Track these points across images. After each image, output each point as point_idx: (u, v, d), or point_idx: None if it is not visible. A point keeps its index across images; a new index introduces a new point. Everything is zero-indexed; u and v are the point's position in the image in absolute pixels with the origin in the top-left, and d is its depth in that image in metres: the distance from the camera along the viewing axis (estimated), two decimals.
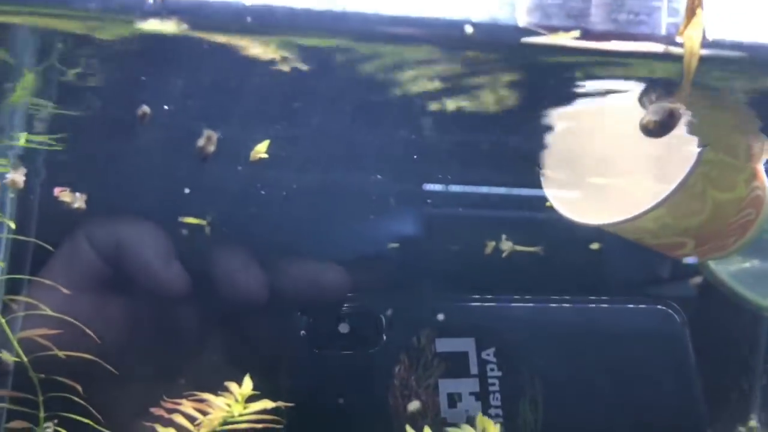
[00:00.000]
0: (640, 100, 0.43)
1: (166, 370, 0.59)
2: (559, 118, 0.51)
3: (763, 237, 0.80)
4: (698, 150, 0.51)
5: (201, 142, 0.47)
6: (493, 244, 0.74)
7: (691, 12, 0.36)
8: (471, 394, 0.76)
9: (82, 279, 0.57)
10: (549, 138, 0.55)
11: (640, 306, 0.82)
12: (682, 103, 0.40)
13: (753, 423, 0.80)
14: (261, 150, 0.46)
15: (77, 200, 0.52)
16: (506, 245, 0.71)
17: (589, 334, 0.79)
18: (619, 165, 0.58)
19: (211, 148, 0.45)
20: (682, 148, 0.52)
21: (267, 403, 0.46)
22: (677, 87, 0.39)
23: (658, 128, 0.40)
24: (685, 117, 0.42)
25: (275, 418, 0.48)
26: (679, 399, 0.79)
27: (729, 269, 0.78)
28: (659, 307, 0.81)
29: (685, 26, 0.36)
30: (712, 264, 0.79)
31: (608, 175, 0.59)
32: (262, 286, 0.59)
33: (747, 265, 0.78)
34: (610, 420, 0.77)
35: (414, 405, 0.75)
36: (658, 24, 0.37)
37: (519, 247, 0.69)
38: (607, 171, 0.59)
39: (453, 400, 0.76)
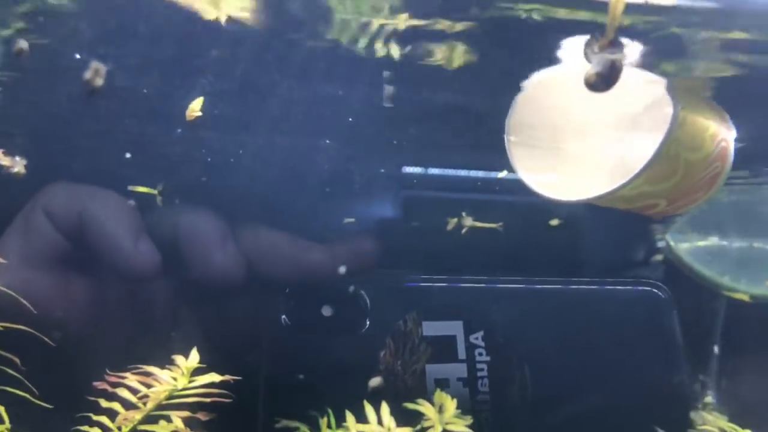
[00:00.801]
0: (584, 53, 0.41)
1: (134, 355, 0.54)
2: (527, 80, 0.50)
3: (721, 215, 0.81)
4: (671, 114, 0.49)
5: (88, 75, 0.43)
6: (455, 220, 0.74)
7: None
8: (459, 379, 0.75)
9: (39, 255, 0.51)
10: (515, 100, 0.54)
11: (630, 287, 0.80)
12: (623, 53, 0.39)
13: (709, 399, 0.81)
14: (195, 108, 0.44)
15: (17, 164, 0.48)
16: (467, 221, 0.70)
17: (580, 316, 0.78)
18: (587, 130, 0.57)
19: (99, 82, 0.42)
20: (653, 112, 0.51)
21: (213, 377, 0.44)
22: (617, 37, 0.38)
23: (599, 81, 0.39)
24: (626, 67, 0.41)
25: (223, 392, 0.46)
26: (668, 377, 0.78)
27: (688, 247, 0.79)
28: (647, 288, 0.80)
29: None
30: (671, 242, 0.80)
31: (577, 141, 0.57)
32: (238, 266, 0.55)
33: (705, 243, 0.79)
34: (601, 402, 0.76)
35: (375, 381, 0.74)
36: None
37: (478, 224, 0.68)
38: (576, 136, 0.57)
39: (441, 386, 0.73)
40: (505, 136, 0.56)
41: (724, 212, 0.80)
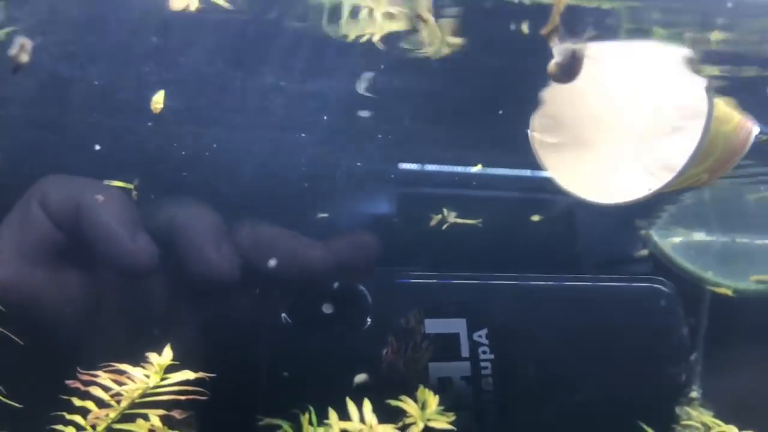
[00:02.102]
0: (550, 42, 0.41)
1: (130, 352, 0.52)
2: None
3: (705, 211, 0.82)
4: (707, 96, 0.48)
5: (13, 51, 0.41)
6: (439, 217, 0.73)
7: None
8: (462, 378, 0.73)
9: (34, 248, 0.50)
10: (540, 96, 0.52)
11: (636, 284, 0.78)
12: (584, 43, 0.38)
13: (694, 394, 0.81)
14: (158, 101, 0.43)
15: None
16: (450, 217, 0.70)
17: (586, 314, 0.76)
18: (616, 124, 0.56)
19: (25, 58, 0.41)
20: (680, 98, 0.50)
21: (187, 374, 0.44)
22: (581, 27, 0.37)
23: (560, 72, 0.38)
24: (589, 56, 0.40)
25: (199, 389, 0.46)
26: (676, 373, 0.77)
27: (672, 242, 0.79)
28: (653, 285, 0.78)
29: None
30: (656, 238, 0.80)
31: (605, 137, 0.56)
32: (233, 265, 0.53)
33: (690, 238, 0.79)
34: (609, 402, 0.74)
35: (360, 377, 0.74)
36: None
37: (459, 220, 0.68)
38: (604, 132, 0.56)
39: (444, 385, 0.72)
40: (528, 132, 0.55)
41: (708, 208, 0.80)
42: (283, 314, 0.67)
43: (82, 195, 0.50)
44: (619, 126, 0.52)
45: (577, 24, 0.38)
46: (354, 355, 0.69)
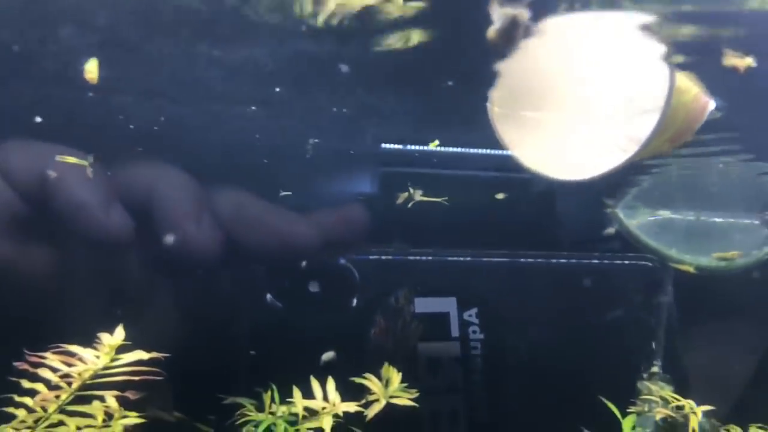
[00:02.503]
0: (489, 7, 0.39)
1: (102, 329, 0.48)
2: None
3: (670, 189, 0.82)
4: (668, 67, 0.48)
5: None
6: (405, 195, 0.73)
7: None
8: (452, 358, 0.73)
9: None
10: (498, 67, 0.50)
11: (631, 262, 0.79)
12: (525, 8, 0.37)
13: (655, 369, 0.83)
14: (91, 69, 0.41)
15: None
16: (416, 194, 0.69)
17: (580, 291, 0.78)
18: (578, 98, 0.54)
19: None
20: (642, 68, 0.49)
21: (140, 354, 0.43)
22: None
23: (500, 38, 0.37)
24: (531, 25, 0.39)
25: (154, 369, 0.45)
26: (667, 348, 0.80)
27: (637, 221, 0.79)
28: (645, 263, 0.79)
29: None
30: (622, 216, 0.80)
31: (567, 111, 0.55)
32: (214, 239, 0.50)
33: (654, 216, 0.80)
34: (603, 379, 0.76)
35: (328, 355, 0.73)
36: None
37: (424, 198, 0.67)
38: (565, 105, 0.55)
39: (433, 364, 0.73)
40: (488, 105, 0.54)
41: (673, 186, 0.81)
42: (269, 294, 0.66)
43: (48, 161, 0.46)
44: (581, 99, 0.51)
45: None
46: (341, 334, 0.68)
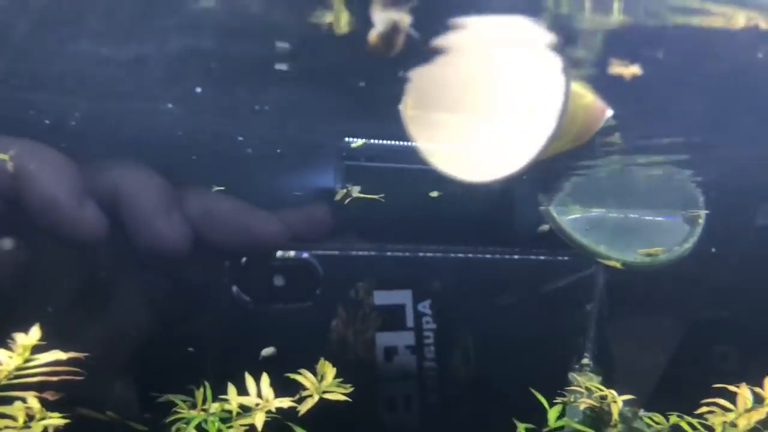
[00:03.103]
0: (371, 11, 0.40)
1: (68, 326, 0.49)
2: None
3: (601, 187, 0.85)
4: (564, 75, 0.50)
5: None
6: (343, 191, 0.73)
7: None
8: (407, 347, 0.77)
9: None
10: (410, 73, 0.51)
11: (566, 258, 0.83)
12: (407, 14, 0.38)
13: (585, 361, 0.86)
14: None
15: None
16: (354, 191, 0.70)
17: (518, 285, 0.81)
18: (482, 102, 0.56)
19: None
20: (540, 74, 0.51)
21: (58, 354, 0.42)
22: None
23: (381, 42, 0.38)
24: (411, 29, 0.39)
25: (73, 369, 0.44)
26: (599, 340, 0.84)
27: (569, 217, 0.82)
28: (574, 258, 0.82)
29: None
30: (554, 213, 0.83)
31: (472, 115, 0.56)
32: (183, 235, 0.51)
33: (585, 212, 0.83)
34: (541, 366, 0.79)
35: (268, 351, 0.74)
36: None
37: (361, 195, 0.68)
38: (470, 110, 0.56)
39: (390, 353, 0.76)
40: (400, 108, 0.55)
41: (604, 185, 0.84)
42: (234, 287, 0.66)
43: (21, 158, 0.45)
44: (487, 105, 0.53)
45: None
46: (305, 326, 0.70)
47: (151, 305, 0.59)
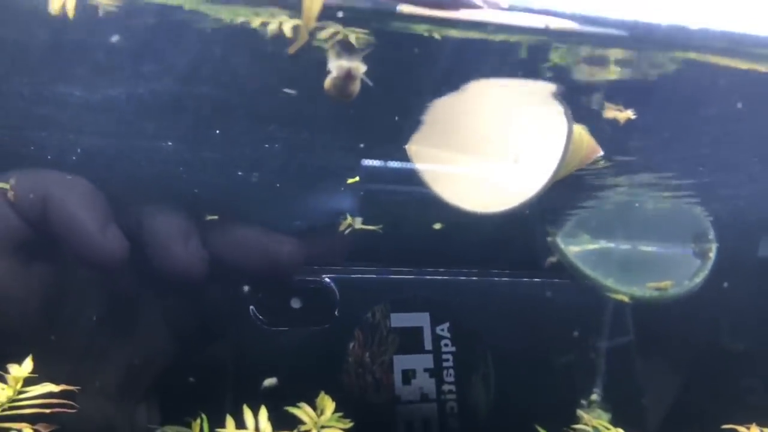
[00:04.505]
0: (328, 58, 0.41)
1: (96, 349, 0.53)
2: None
3: (609, 218, 0.84)
4: (566, 119, 0.52)
5: None
6: (348, 221, 0.73)
7: None
8: (425, 370, 0.76)
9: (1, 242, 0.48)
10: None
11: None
12: (359, 63, 0.38)
13: (594, 397, 0.84)
14: None
15: None
16: (357, 222, 0.70)
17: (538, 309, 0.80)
18: (487, 144, 0.58)
19: None
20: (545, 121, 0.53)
21: (50, 387, 0.42)
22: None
23: (335, 89, 0.38)
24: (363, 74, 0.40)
25: (66, 402, 0.44)
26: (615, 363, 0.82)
27: (575, 249, 0.81)
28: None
29: None
30: (561, 244, 0.82)
31: (481, 152, 0.58)
32: (200, 259, 0.52)
33: (593, 246, 0.82)
34: (563, 390, 0.79)
35: (269, 381, 0.74)
36: None
37: (363, 226, 0.68)
38: (480, 147, 0.58)
39: (407, 376, 0.75)
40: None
41: (612, 215, 0.83)
42: (252, 307, 0.66)
43: (49, 187, 0.48)
44: (494, 145, 0.55)
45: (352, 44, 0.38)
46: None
47: (172, 330, 0.60)
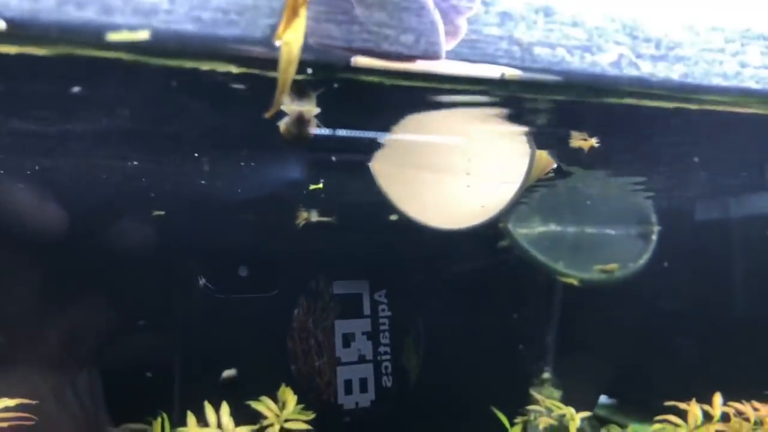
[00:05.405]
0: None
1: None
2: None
3: (559, 203, 0.87)
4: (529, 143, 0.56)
5: None
6: (305, 215, 0.74)
7: (291, 13, 0.32)
8: (363, 333, 0.84)
9: None
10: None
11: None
12: (312, 107, 0.40)
13: (546, 375, 0.87)
14: None
15: None
16: (313, 216, 0.70)
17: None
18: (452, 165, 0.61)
19: None
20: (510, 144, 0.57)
21: (5, 402, 0.41)
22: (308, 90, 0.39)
23: (288, 133, 0.40)
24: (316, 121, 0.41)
25: (27, 415, 0.43)
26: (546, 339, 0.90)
27: (527, 234, 0.83)
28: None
29: (284, 29, 0.32)
30: (512, 229, 0.84)
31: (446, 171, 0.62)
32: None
33: (544, 230, 0.84)
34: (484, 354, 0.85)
35: (229, 372, 0.75)
36: (253, 24, 0.33)
37: (317, 218, 0.69)
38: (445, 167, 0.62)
39: (347, 340, 0.83)
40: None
41: (562, 200, 0.85)
42: (201, 277, 0.72)
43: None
44: (459, 167, 0.58)
45: (305, 88, 0.39)
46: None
47: None
